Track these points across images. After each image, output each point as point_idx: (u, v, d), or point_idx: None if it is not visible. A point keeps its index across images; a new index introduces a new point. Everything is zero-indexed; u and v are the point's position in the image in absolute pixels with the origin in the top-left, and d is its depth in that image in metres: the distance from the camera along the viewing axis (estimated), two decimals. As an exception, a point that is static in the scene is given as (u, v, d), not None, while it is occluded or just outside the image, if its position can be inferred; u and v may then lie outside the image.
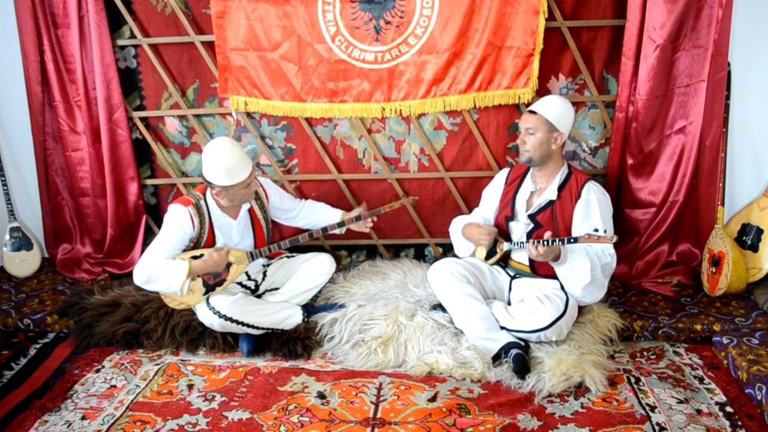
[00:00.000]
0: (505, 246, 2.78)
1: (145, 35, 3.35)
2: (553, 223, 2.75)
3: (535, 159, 2.75)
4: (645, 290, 3.23)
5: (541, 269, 2.80)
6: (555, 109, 2.72)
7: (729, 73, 3.04)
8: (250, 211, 3.00)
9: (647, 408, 2.39)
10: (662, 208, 3.22)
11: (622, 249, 3.35)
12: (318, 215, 3.20)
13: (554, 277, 2.75)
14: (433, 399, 2.48)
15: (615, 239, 2.47)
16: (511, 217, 2.89)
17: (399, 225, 3.57)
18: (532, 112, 2.74)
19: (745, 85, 3.15)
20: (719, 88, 3.02)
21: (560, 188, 2.76)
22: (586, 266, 2.60)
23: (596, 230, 2.60)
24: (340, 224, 3.09)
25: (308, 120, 3.41)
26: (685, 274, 3.30)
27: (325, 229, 3.07)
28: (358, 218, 3.09)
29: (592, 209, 2.69)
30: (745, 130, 3.24)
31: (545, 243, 2.54)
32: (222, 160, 2.71)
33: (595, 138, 3.36)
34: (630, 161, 3.20)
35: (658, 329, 2.88)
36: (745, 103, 3.18)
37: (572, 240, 2.53)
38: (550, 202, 2.77)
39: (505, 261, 2.96)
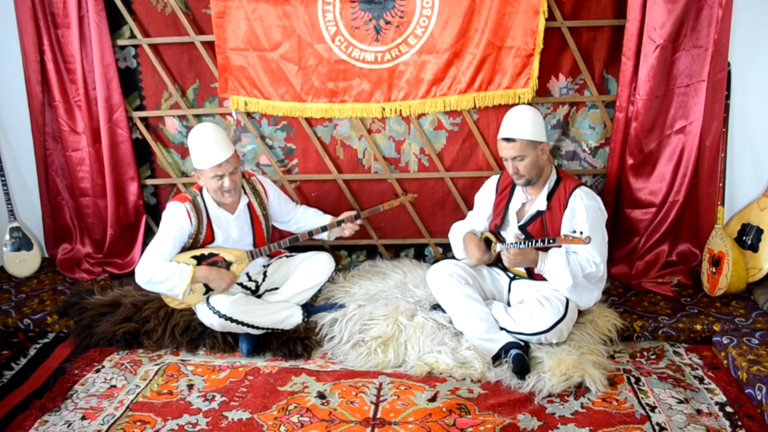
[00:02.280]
0: (498, 247, 2.78)
1: (145, 35, 3.35)
2: (543, 233, 2.74)
3: (533, 178, 2.73)
4: (645, 290, 3.23)
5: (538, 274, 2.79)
6: (528, 124, 2.65)
7: (729, 73, 3.04)
8: (249, 206, 2.99)
9: (647, 408, 2.39)
10: (662, 208, 3.22)
11: (622, 249, 3.35)
12: (309, 220, 3.17)
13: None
14: (433, 399, 2.48)
15: (588, 241, 2.47)
16: (503, 227, 2.89)
17: (399, 225, 3.57)
18: (511, 140, 2.65)
19: (745, 85, 3.15)
20: (719, 88, 3.02)
21: (549, 197, 2.75)
22: (564, 271, 2.61)
23: (574, 231, 2.56)
24: (324, 228, 3.04)
25: (308, 120, 3.41)
26: (685, 274, 3.29)
27: (310, 233, 3.03)
28: (339, 222, 3.04)
29: (578, 218, 2.67)
30: (745, 130, 3.24)
31: (518, 245, 2.61)
32: (194, 140, 2.77)
33: (595, 138, 3.36)
34: (630, 161, 3.20)
35: (658, 329, 2.88)
36: (745, 103, 3.18)
37: (551, 240, 2.57)
38: (539, 213, 2.76)
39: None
